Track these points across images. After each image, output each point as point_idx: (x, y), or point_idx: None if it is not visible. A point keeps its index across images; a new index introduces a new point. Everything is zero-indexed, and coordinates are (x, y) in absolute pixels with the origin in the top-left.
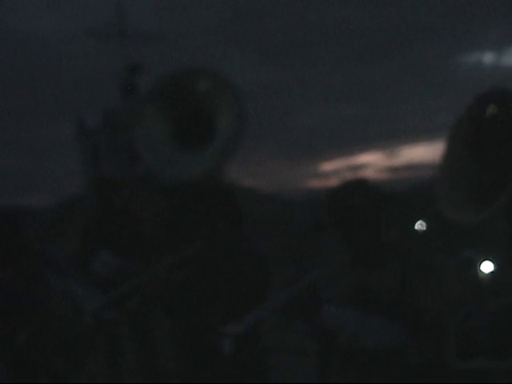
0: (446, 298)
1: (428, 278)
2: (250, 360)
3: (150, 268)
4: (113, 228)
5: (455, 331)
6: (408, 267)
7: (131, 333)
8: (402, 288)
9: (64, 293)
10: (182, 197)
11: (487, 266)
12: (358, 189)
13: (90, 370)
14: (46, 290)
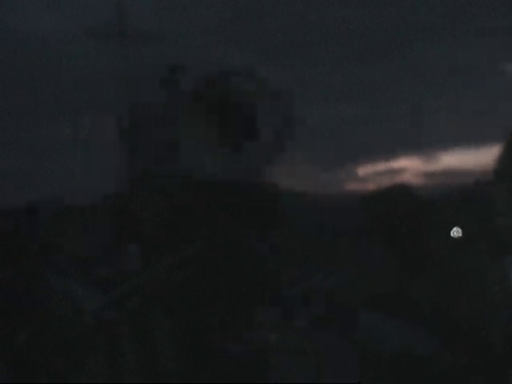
0: (489, 302)
1: (466, 284)
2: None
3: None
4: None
5: (499, 334)
6: (446, 274)
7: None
8: (441, 295)
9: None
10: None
11: None
12: (399, 195)
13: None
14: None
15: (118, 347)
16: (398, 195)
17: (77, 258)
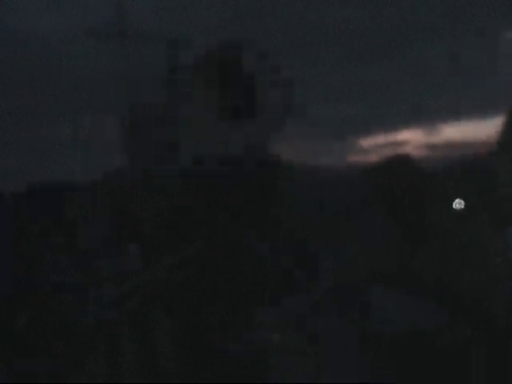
0: (491, 273)
1: (469, 256)
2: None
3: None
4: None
5: (502, 306)
6: (449, 246)
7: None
8: (444, 266)
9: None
10: (230, 172)
11: None
12: (401, 167)
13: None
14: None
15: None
16: (400, 167)
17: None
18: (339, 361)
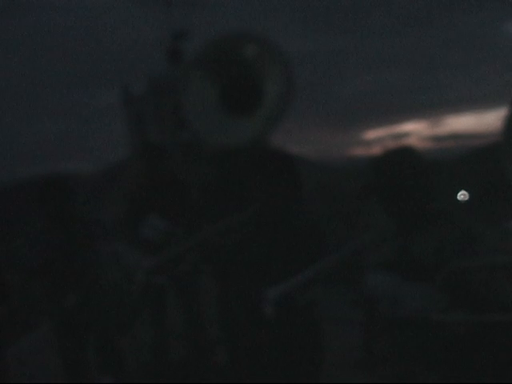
0: (489, 265)
1: (469, 246)
2: (301, 328)
3: (202, 232)
4: (160, 193)
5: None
6: (449, 235)
7: (178, 297)
8: (444, 255)
9: (112, 256)
10: (234, 163)
11: None
12: (403, 156)
13: (135, 334)
14: (95, 254)
15: (165, 311)
16: (405, 157)
17: (121, 221)
18: None
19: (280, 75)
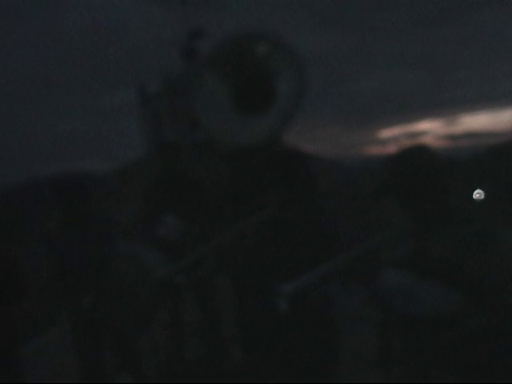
0: (506, 265)
1: (487, 246)
2: (317, 327)
3: (220, 233)
4: (175, 192)
5: None
6: (465, 234)
7: (195, 296)
8: (459, 254)
9: (129, 256)
10: (248, 161)
11: None
12: (418, 155)
13: (152, 334)
14: (112, 254)
15: (182, 311)
16: (420, 156)
17: (136, 220)
18: None
19: (293, 74)
